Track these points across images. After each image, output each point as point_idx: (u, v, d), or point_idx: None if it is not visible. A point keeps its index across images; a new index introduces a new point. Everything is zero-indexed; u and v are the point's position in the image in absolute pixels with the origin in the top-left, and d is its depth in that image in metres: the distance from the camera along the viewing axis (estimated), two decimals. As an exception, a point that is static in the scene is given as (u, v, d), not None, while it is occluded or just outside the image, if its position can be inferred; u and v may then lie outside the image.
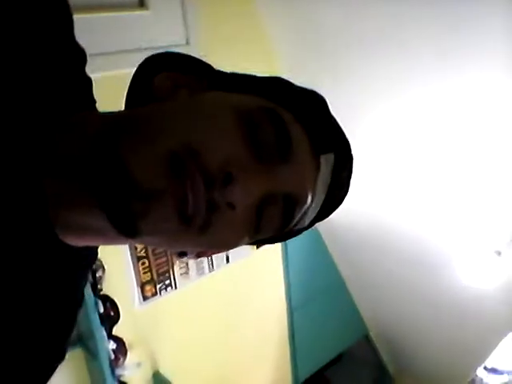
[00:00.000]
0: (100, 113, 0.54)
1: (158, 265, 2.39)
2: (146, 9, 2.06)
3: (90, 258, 0.57)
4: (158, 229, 0.46)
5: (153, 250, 2.34)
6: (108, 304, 2.13)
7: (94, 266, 2.08)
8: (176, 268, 2.46)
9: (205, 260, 2.57)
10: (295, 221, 0.53)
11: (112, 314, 2.15)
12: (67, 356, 0.56)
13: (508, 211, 2.19)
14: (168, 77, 0.54)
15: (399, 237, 2.72)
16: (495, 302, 2.55)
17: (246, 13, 2.38)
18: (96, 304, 2.07)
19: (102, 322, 2.10)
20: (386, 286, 3.14)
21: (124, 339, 2.23)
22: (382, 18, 1.94)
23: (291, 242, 2.99)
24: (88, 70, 0.54)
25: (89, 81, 0.55)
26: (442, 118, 2.05)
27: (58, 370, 0.55)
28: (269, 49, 2.48)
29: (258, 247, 2.41)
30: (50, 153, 0.46)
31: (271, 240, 0.59)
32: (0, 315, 0.45)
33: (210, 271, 2.61)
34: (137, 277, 2.32)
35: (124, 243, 0.53)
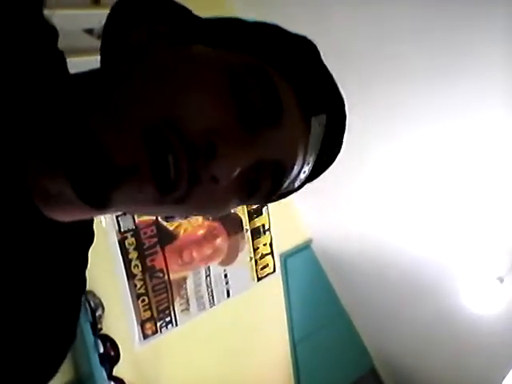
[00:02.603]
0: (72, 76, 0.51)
1: (157, 301, 2.36)
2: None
3: (84, 236, 0.56)
4: (132, 199, 0.44)
5: (152, 287, 2.31)
6: (108, 344, 2.09)
7: (92, 305, 2.05)
8: (176, 304, 2.43)
9: (205, 295, 2.54)
10: (285, 186, 0.52)
11: (112, 353, 2.11)
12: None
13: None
14: (144, 29, 0.50)
15: (401, 264, 2.70)
16: (500, 329, 2.52)
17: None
18: (96, 344, 2.04)
19: (102, 363, 2.06)
20: (389, 315, 3.09)
21: (124, 380, 2.18)
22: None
23: (292, 273, 2.98)
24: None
25: (61, 54, 0.53)
26: (445, 146, 2.09)
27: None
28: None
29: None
30: (29, 127, 0.45)
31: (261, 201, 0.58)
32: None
33: (210, 306, 2.58)
34: (137, 315, 2.28)
35: (96, 214, 0.53)
